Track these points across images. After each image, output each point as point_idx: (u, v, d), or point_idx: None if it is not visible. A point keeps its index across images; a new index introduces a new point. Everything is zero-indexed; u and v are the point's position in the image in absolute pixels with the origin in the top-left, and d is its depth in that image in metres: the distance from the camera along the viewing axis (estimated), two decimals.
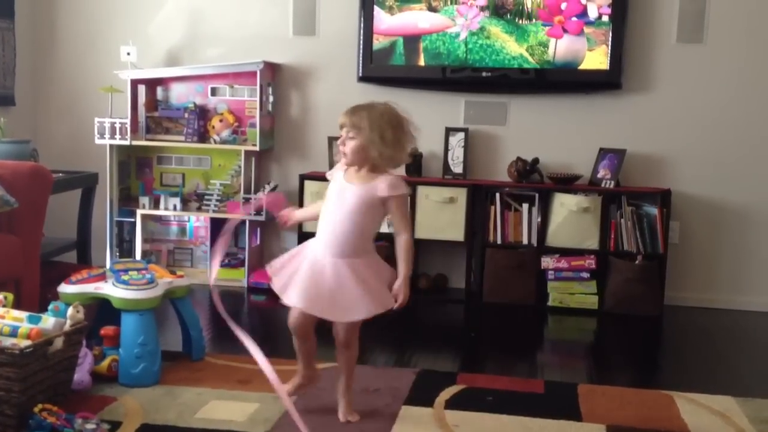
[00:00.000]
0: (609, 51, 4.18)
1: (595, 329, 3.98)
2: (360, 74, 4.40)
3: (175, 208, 4.49)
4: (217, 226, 4.53)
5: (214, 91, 4.56)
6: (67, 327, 2.52)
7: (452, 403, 2.70)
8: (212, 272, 2.59)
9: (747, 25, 4.19)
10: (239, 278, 4.44)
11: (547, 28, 4.21)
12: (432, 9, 4.29)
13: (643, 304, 4.07)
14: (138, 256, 4.50)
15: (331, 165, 4.41)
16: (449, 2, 4.27)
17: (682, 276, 4.31)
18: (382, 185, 2.32)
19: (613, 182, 4.17)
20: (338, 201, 2.37)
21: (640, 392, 2.90)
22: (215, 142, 4.45)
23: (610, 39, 4.17)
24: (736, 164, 4.27)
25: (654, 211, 4.13)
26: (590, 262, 4.12)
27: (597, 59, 4.19)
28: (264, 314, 4.12)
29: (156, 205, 4.51)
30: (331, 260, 2.34)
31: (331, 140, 4.46)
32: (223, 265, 4.50)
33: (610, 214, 4.14)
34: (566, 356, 3.60)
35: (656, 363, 3.52)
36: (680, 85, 4.28)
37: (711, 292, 4.33)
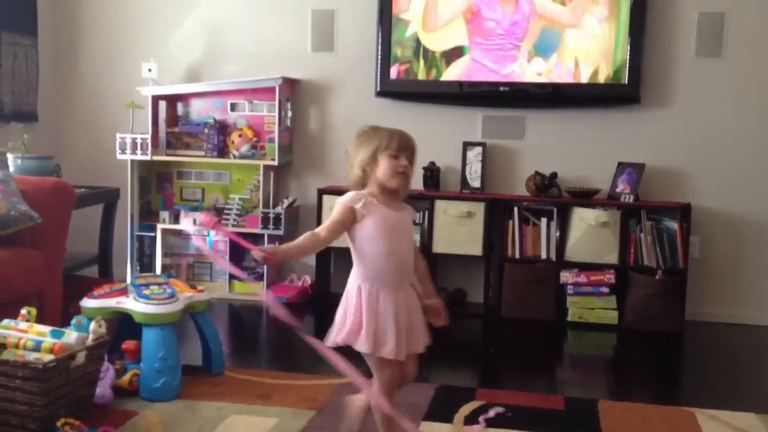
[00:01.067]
0: (628, 65, 4.17)
1: (615, 345, 3.96)
2: (378, 89, 4.42)
3: (195, 223, 4.51)
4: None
5: (233, 107, 4.60)
6: (89, 341, 2.54)
7: (471, 419, 2.69)
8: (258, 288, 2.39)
9: (765, 40, 4.18)
10: (258, 292, 4.45)
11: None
12: None
13: (663, 320, 4.04)
14: (158, 270, 4.53)
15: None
16: None
17: (703, 291, 4.28)
18: (411, 209, 2.31)
19: (632, 196, 4.15)
20: (400, 233, 2.22)
21: (662, 409, 2.88)
22: (234, 157, 4.48)
23: (628, 53, 4.17)
24: (756, 178, 4.24)
25: (674, 225, 4.10)
26: (610, 276, 4.10)
27: (616, 73, 4.19)
28: (283, 328, 4.13)
29: (176, 219, 4.55)
30: (402, 295, 2.20)
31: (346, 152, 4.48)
32: (241, 280, 4.53)
33: (630, 228, 4.12)
34: (586, 372, 3.57)
35: (677, 379, 3.49)
36: (699, 100, 4.27)
37: (732, 308, 4.29)
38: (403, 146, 2.23)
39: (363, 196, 2.20)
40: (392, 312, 2.16)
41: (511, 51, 4.28)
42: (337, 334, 2.20)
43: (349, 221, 2.20)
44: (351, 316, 2.18)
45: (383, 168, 2.20)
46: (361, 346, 2.15)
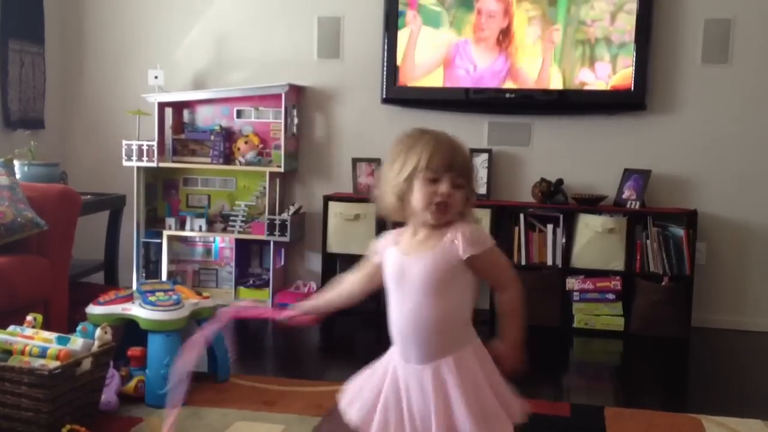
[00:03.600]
0: (633, 72, 4.17)
1: (622, 351, 3.94)
2: (384, 96, 4.43)
3: (200, 229, 4.52)
4: (242, 246, 4.57)
5: (239, 114, 4.61)
6: (95, 348, 2.54)
7: None
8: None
9: None
10: (264, 299, 4.46)
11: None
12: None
13: (670, 326, 4.03)
14: (164, 277, 4.54)
15: (356, 187, 4.47)
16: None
17: (710, 298, 4.26)
18: (457, 242, 1.63)
19: (638, 203, 4.15)
20: (406, 286, 1.67)
21: (669, 416, 2.87)
22: (240, 163, 4.49)
23: (634, 60, 4.17)
24: (762, 185, 4.23)
25: (680, 232, 4.09)
26: (616, 283, 4.09)
27: (622, 80, 4.19)
28: (288, 335, 4.13)
29: (182, 226, 4.56)
30: (416, 371, 1.65)
31: (355, 162, 4.49)
32: (247, 286, 4.54)
33: (636, 235, 4.11)
34: (592, 379, 3.56)
35: (684, 386, 3.48)
36: (705, 106, 4.26)
37: (739, 314, 4.27)
38: (447, 164, 1.63)
39: (389, 239, 1.73)
40: (389, 386, 1.67)
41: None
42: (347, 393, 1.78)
43: (379, 274, 1.74)
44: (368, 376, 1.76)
45: (417, 195, 1.63)
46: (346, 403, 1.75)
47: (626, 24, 4.17)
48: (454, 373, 1.61)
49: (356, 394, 1.73)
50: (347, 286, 1.82)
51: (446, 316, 1.64)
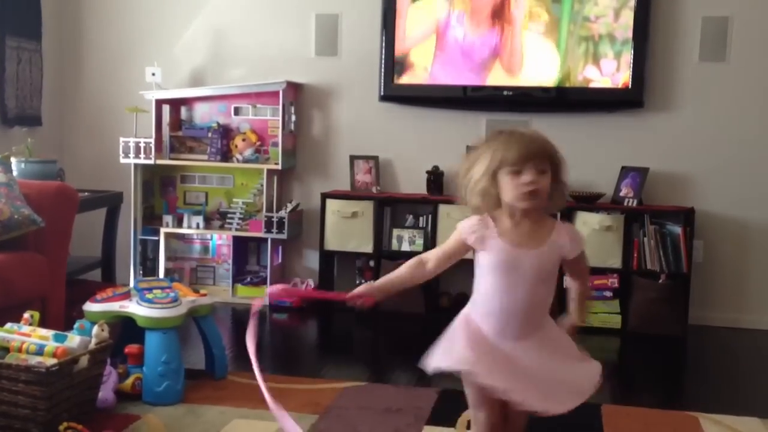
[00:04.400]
0: (631, 69, 4.17)
1: (619, 349, 3.95)
2: (382, 93, 4.43)
3: (198, 227, 4.52)
4: (239, 244, 4.57)
5: (237, 111, 4.61)
6: (92, 345, 2.54)
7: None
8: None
9: None
10: (261, 296, 4.45)
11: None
12: None
13: (667, 324, 4.03)
14: (161, 274, 4.54)
15: (353, 185, 4.47)
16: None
17: (707, 295, 4.27)
18: (565, 242, 1.83)
19: (635, 201, 4.15)
20: (517, 275, 1.82)
21: (666, 413, 2.87)
22: (238, 161, 4.49)
23: (632, 57, 4.17)
24: (760, 183, 4.23)
25: (677, 229, 4.09)
26: (613, 281, 4.09)
27: (619, 77, 4.19)
28: (286, 332, 4.13)
29: (179, 223, 4.55)
30: (518, 344, 1.84)
31: (353, 159, 4.49)
32: (244, 283, 4.54)
33: (633, 232, 4.12)
34: None
35: (681, 384, 3.48)
36: (703, 104, 4.26)
37: (736, 312, 4.28)
38: (525, 155, 1.76)
39: (483, 227, 1.83)
40: (494, 342, 1.84)
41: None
42: (432, 356, 1.90)
43: (461, 253, 1.88)
44: (447, 337, 1.91)
45: (505, 188, 1.77)
46: (438, 359, 1.87)
47: (630, 20, 4.17)
48: (546, 343, 1.85)
49: (455, 352, 1.87)
50: (421, 264, 1.90)
51: (547, 299, 1.87)
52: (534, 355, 1.82)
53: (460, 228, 1.86)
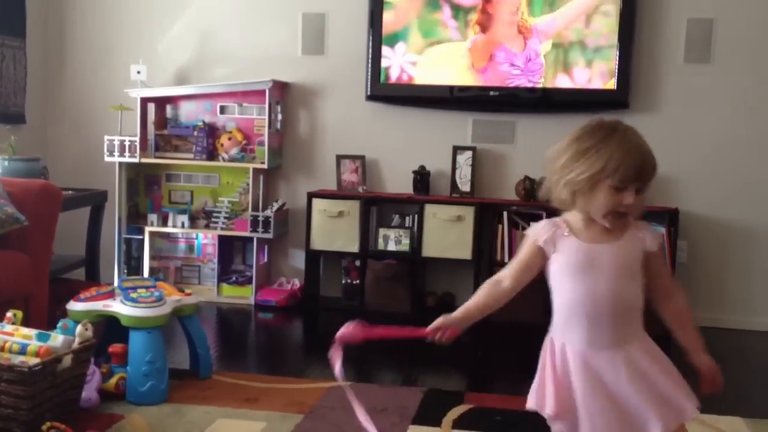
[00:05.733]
0: (617, 71, 4.19)
1: None
2: (368, 93, 4.42)
3: (183, 226, 4.50)
4: (224, 243, 4.55)
5: (223, 110, 4.59)
6: (75, 345, 2.52)
7: (460, 423, 2.69)
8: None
9: (754, 46, 4.20)
10: (246, 296, 4.44)
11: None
12: None
13: (651, 324, 4.04)
14: (146, 273, 4.52)
15: (339, 184, 4.47)
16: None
17: (690, 295, 4.20)
18: (644, 235, 1.70)
19: None
20: (596, 271, 1.67)
21: None
22: (224, 159, 4.47)
23: (617, 59, 4.18)
24: (743, 184, 4.26)
25: (662, 230, 4.11)
26: None
27: (605, 79, 4.21)
28: (271, 332, 4.12)
29: (164, 222, 4.53)
30: (604, 356, 1.68)
31: (339, 159, 4.48)
32: (230, 283, 4.52)
33: None
34: None
35: None
36: (688, 105, 4.29)
37: (719, 312, 4.31)
38: (635, 176, 1.61)
39: (553, 227, 1.70)
40: (579, 373, 1.67)
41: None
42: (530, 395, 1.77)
43: (538, 262, 1.72)
44: (539, 372, 1.76)
45: (599, 201, 1.61)
46: (530, 401, 1.76)
47: (602, 27, 4.19)
48: (644, 355, 1.71)
49: (544, 396, 1.72)
50: (497, 284, 1.75)
51: (636, 298, 1.69)
52: (631, 369, 1.68)
53: (530, 233, 1.73)
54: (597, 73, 4.23)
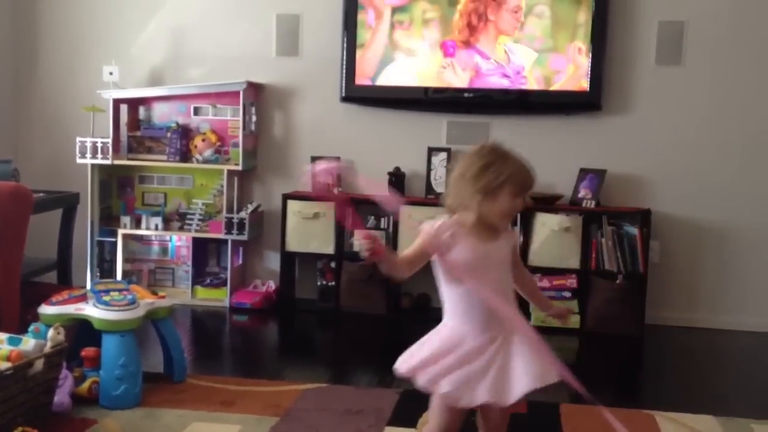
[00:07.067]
0: (589, 73, 4.23)
1: (577, 349, 4.00)
2: (343, 94, 4.42)
3: (156, 228, 4.47)
4: (199, 245, 4.52)
5: (196, 111, 4.56)
6: (47, 349, 2.50)
7: None
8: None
9: (724, 48, 4.26)
10: (221, 298, 4.42)
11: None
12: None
13: (624, 324, 4.09)
14: (119, 276, 4.47)
15: (314, 186, 4.45)
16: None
17: (663, 295, 4.34)
18: (510, 235, 2.06)
19: (593, 202, 4.20)
20: (490, 267, 1.97)
21: (622, 412, 2.90)
22: (198, 161, 4.44)
23: (590, 61, 4.22)
24: (715, 184, 4.32)
25: (634, 230, 4.16)
26: (572, 281, 4.14)
27: (577, 81, 4.25)
28: (246, 334, 4.10)
29: (137, 224, 4.49)
30: (494, 337, 1.94)
31: (314, 160, 4.47)
32: (204, 285, 4.49)
33: (591, 233, 4.17)
34: None
35: (638, 382, 3.54)
36: (659, 107, 4.33)
37: (691, 312, 4.36)
38: (529, 185, 1.97)
39: (455, 225, 1.96)
40: (471, 352, 1.92)
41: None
42: (404, 360, 1.98)
43: (431, 253, 1.96)
44: (425, 345, 1.97)
45: (502, 205, 1.92)
46: (420, 379, 1.94)
47: (536, 29, 4.24)
48: (523, 337, 1.94)
49: (438, 371, 1.93)
50: (401, 261, 1.98)
51: (512, 285, 2.05)
52: (512, 348, 1.93)
53: (431, 227, 1.95)
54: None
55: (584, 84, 4.24)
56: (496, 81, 4.30)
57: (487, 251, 1.96)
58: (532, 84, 4.28)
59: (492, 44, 4.29)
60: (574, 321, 4.13)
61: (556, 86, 4.27)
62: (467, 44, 4.30)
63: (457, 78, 4.32)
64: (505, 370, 1.91)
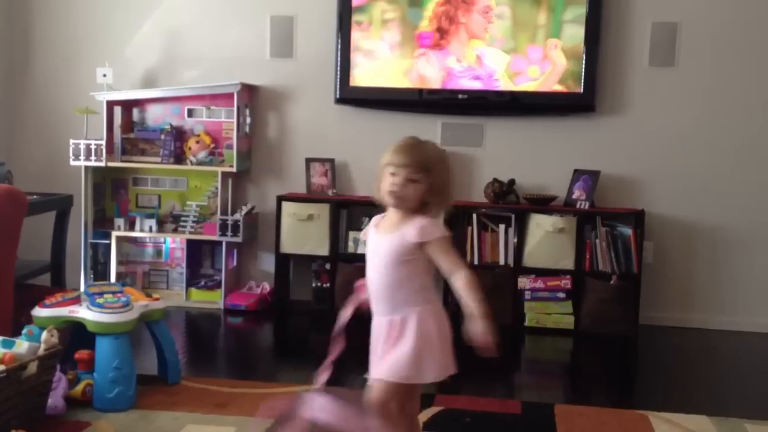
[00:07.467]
0: (583, 74, 4.24)
1: (572, 349, 4.00)
2: (337, 96, 4.42)
3: (150, 230, 4.46)
4: (193, 247, 4.52)
5: (190, 113, 4.56)
6: (41, 351, 2.49)
7: (430, 425, 2.70)
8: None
9: (717, 49, 4.27)
10: (215, 300, 4.42)
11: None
12: None
13: (618, 324, 4.10)
14: (113, 278, 4.46)
15: (309, 187, 4.47)
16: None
17: (657, 296, 4.35)
18: (411, 230, 2.00)
19: (587, 203, 4.21)
20: (374, 258, 2.08)
21: (617, 412, 2.92)
22: (192, 163, 4.44)
23: (584, 62, 4.23)
24: (708, 185, 4.33)
25: (628, 231, 4.17)
26: (566, 282, 4.15)
27: (571, 82, 4.26)
28: (241, 336, 4.10)
29: (131, 226, 4.49)
30: (382, 320, 2.07)
31: (309, 162, 4.48)
32: (198, 287, 4.49)
33: (585, 234, 4.18)
34: (543, 376, 3.61)
35: (632, 383, 3.54)
36: (653, 108, 4.35)
37: (685, 312, 4.37)
38: (401, 161, 2.01)
39: (375, 220, 2.14)
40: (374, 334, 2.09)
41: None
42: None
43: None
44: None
45: (383, 183, 2.05)
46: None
47: (498, 30, 4.25)
48: (411, 321, 2.02)
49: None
50: None
51: (401, 281, 2.02)
52: (389, 332, 2.03)
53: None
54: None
55: (558, 87, 4.25)
56: (466, 83, 4.30)
57: (376, 244, 2.07)
58: (508, 85, 4.28)
59: (463, 48, 4.30)
60: (568, 322, 4.14)
61: (525, 86, 4.27)
62: (439, 47, 4.31)
63: (431, 69, 4.31)
64: (381, 349, 2.05)
